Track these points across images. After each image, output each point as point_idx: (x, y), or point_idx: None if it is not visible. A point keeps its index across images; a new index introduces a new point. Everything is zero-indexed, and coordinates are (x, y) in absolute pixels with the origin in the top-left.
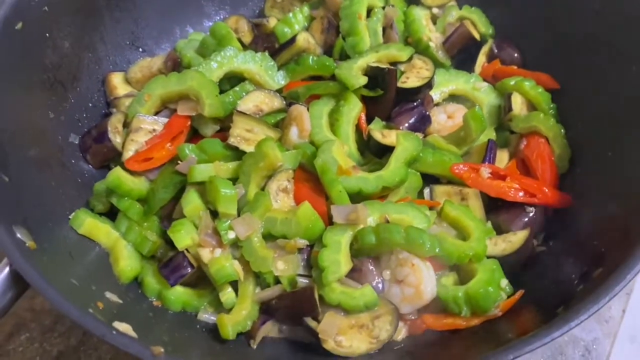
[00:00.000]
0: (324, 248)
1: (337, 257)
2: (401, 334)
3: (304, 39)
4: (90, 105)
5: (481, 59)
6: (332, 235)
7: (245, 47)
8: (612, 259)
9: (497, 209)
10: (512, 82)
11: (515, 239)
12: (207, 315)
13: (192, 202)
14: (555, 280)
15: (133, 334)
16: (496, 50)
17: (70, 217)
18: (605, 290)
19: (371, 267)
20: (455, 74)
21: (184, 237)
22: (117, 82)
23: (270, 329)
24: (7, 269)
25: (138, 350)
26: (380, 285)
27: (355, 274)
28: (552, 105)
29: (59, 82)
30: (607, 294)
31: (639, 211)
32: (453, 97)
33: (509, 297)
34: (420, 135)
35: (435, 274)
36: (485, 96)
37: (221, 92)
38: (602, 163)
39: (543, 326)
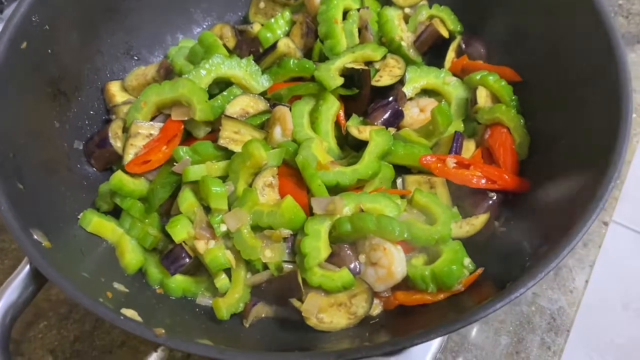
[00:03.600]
0: (305, 236)
1: (317, 244)
2: (377, 309)
3: (285, 44)
4: (92, 112)
5: (450, 54)
6: (313, 225)
7: (230, 51)
8: (554, 239)
9: (463, 195)
10: (478, 77)
11: (477, 222)
12: (204, 299)
13: (187, 199)
14: (510, 257)
15: (139, 318)
16: (464, 46)
17: (79, 217)
18: (542, 267)
19: (348, 252)
20: (427, 70)
21: (180, 231)
22: (115, 90)
23: (260, 310)
24: (27, 267)
25: (142, 332)
26: (357, 268)
27: (334, 259)
28: (513, 98)
29: (63, 94)
30: (543, 270)
31: (582, 196)
32: (425, 91)
33: (471, 274)
34: (393, 129)
35: (406, 255)
36: (454, 90)
37: (211, 96)
38: (556, 150)
39: (488, 299)
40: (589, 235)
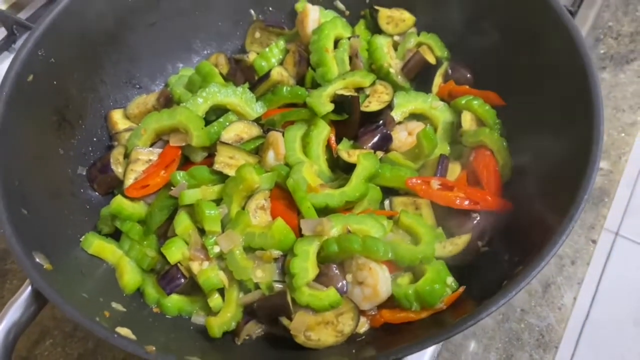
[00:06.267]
0: (294, 257)
1: (305, 265)
2: (364, 327)
3: (278, 73)
4: (95, 139)
5: (438, 79)
6: (301, 246)
7: (226, 78)
8: (528, 260)
9: (447, 215)
10: (463, 101)
11: (460, 241)
12: (199, 318)
13: (182, 222)
14: (491, 276)
15: (132, 336)
16: (451, 72)
17: (81, 239)
18: (512, 287)
19: (336, 271)
20: (415, 95)
21: (175, 253)
22: (118, 118)
23: (252, 328)
24: (29, 288)
25: (134, 349)
26: (344, 287)
27: (322, 278)
28: (497, 121)
29: (67, 122)
30: (514, 289)
31: (553, 218)
32: (414, 115)
33: (454, 292)
34: (382, 153)
35: (392, 275)
36: (441, 114)
37: (208, 122)
38: (535, 173)
39: (459, 318)
40: (578, 253)
